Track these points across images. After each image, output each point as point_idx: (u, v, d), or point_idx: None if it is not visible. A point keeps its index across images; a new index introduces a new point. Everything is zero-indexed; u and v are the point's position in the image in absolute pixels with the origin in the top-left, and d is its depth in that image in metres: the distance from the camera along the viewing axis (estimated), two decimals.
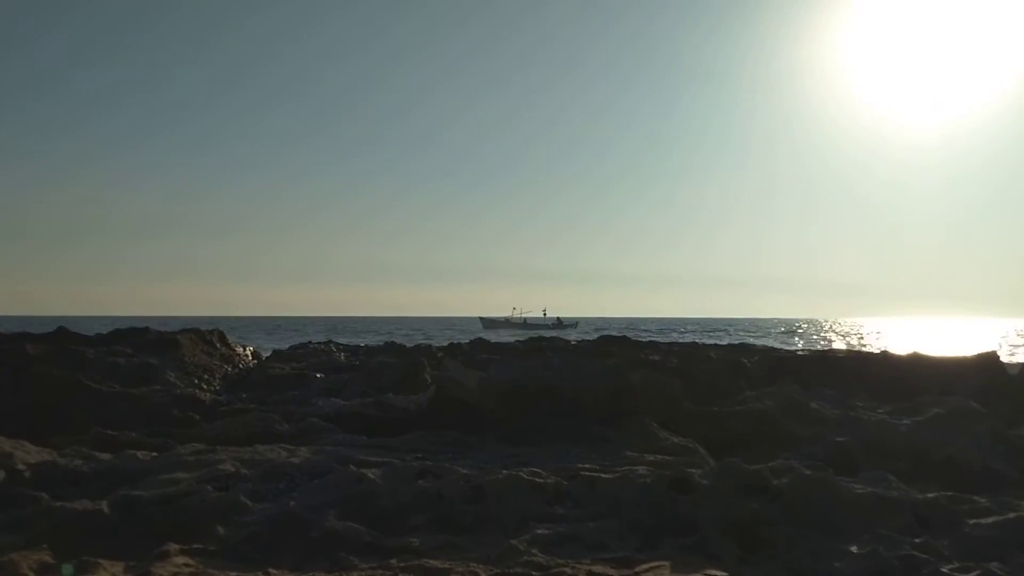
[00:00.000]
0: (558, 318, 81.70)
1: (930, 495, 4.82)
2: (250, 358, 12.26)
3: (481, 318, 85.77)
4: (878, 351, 11.41)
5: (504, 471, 4.58)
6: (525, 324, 77.95)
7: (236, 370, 11.06)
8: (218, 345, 11.46)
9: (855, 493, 4.50)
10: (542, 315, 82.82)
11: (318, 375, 9.90)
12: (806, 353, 11.96)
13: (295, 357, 12.06)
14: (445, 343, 15.02)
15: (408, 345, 14.43)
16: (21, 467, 4.90)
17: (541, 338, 15.17)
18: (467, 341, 14.45)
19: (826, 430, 7.59)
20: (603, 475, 4.62)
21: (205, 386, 9.78)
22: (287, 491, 4.60)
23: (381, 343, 14.70)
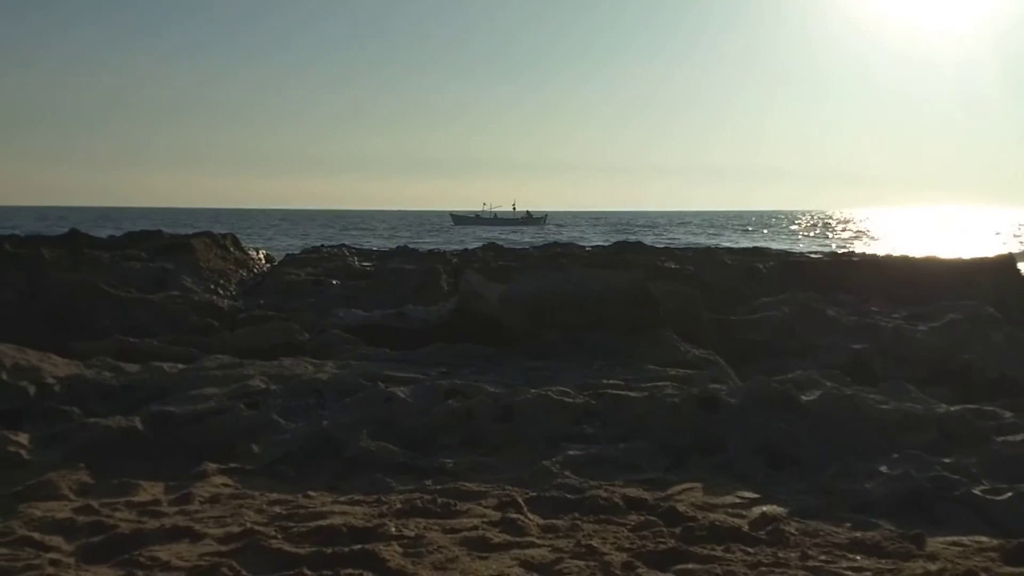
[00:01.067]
0: (528, 212, 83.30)
1: (954, 409, 4.83)
2: (264, 262, 12.27)
3: (452, 213, 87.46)
4: (893, 254, 11.37)
5: (532, 390, 4.61)
6: (496, 219, 79.20)
7: (251, 275, 11.08)
8: (232, 249, 11.44)
9: (881, 409, 4.52)
10: (512, 209, 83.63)
11: (334, 281, 9.90)
12: (821, 257, 11.91)
13: (309, 262, 12.05)
14: (453, 247, 14.98)
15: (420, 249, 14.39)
16: (50, 381, 4.93)
17: (556, 244, 15.09)
18: (481, 246, 14.40)
19: (843, 337, 7.59)
20: (630, 393, 4.65)
21: (221, 291, 9.81)
22: (317, 408, 4.65)
23: (393, 247, 14.67)
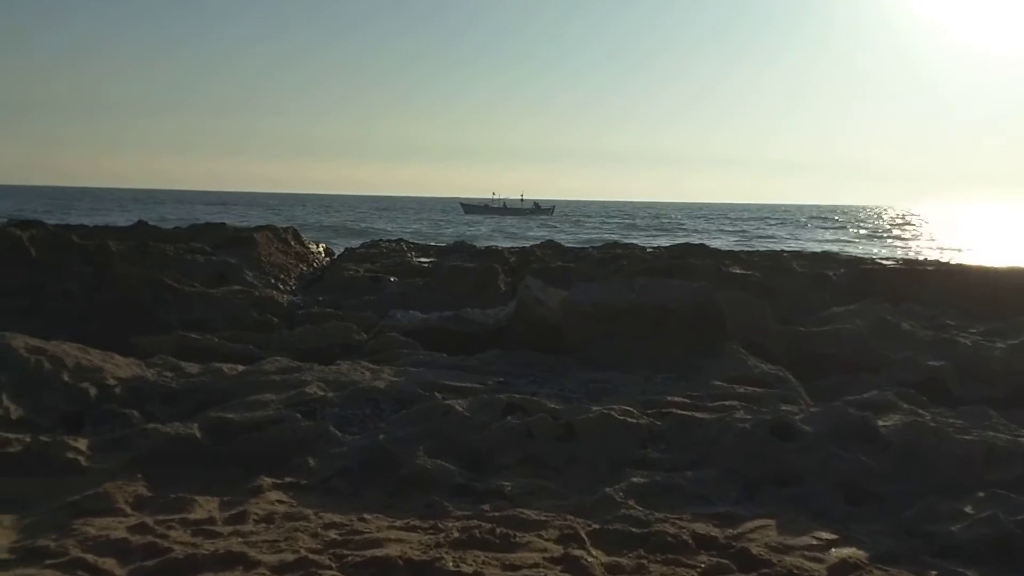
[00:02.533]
0: (535, 203, 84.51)
1: None
2: (323, 256, 12.32)
3: (462, 203, 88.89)
4: (968, 264, 10.90)
5: (594, 407, 4.45)
6: (505, 208, 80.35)
7: (310, 269, 11.12)
8: (292, 243, 11.51)
9: (964, 441, 4.26)
10: (520, 199, 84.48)
11: (392, 279, 9.86)
12: (893, 264, 11.47)
13: (368, 257, 12.05)
14: (511, 246, 14.82)
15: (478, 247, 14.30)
16: (112, 382, 4.94)
17: (616, 244, 14.86)
18: (539, 244, 14.24)
19: (918, 352, 7.28)
20: (697, 414, 4.46)
21: (281, 286, 9.84)
22: (373, 418, 4.56)
23: (451, 242, 14.60)
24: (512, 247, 14.62)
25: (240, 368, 5.54)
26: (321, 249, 12.55)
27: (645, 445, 4.18)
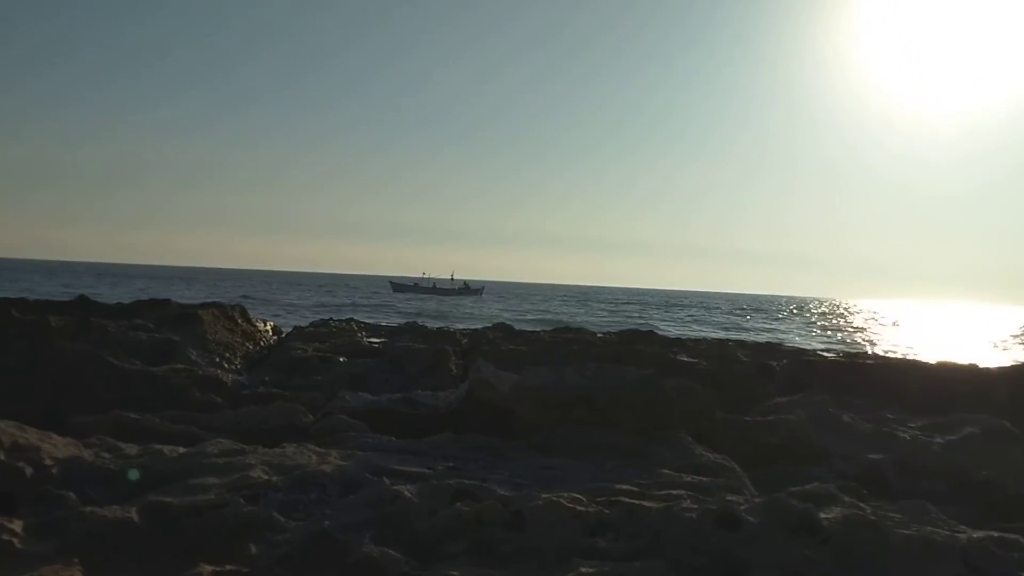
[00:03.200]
0: (465, 283, 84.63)
1: (976, 536, 4.65)
2: (271, 334, 12.19)
3: (391, 281, 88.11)
4: (908, 359, 11.23)
5: (544, 494, 4.45)
6: (434, 288, 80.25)
7: (257, 348, 10.99)
8: (240, 321, 11.39)
9: (904, 535, 4.34)
10: (450, 279, 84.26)
11: (341, 359, 9.79)
12: (835, 357, 11.77)
13: (317, 336, 11.96)
14: (466, 328, 14.87)
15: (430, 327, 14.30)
16: (49, 462, 4.79)
17: (567, 328, 15.01)
18: (491, 326, 14.29)
19: (859, 445, 7.46)
20: (644, 503, 4.48)
21: (227, 365, 9.71)
22: (319, 504, 4.49)
23: (402, 323, 14.59)
24: (464, 329, 14.64)
25: (181, 450, 5.42)
26: (269, 327, 12.43)
27: (594, 534, 4.17)
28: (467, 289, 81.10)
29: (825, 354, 12.49)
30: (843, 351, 16.26)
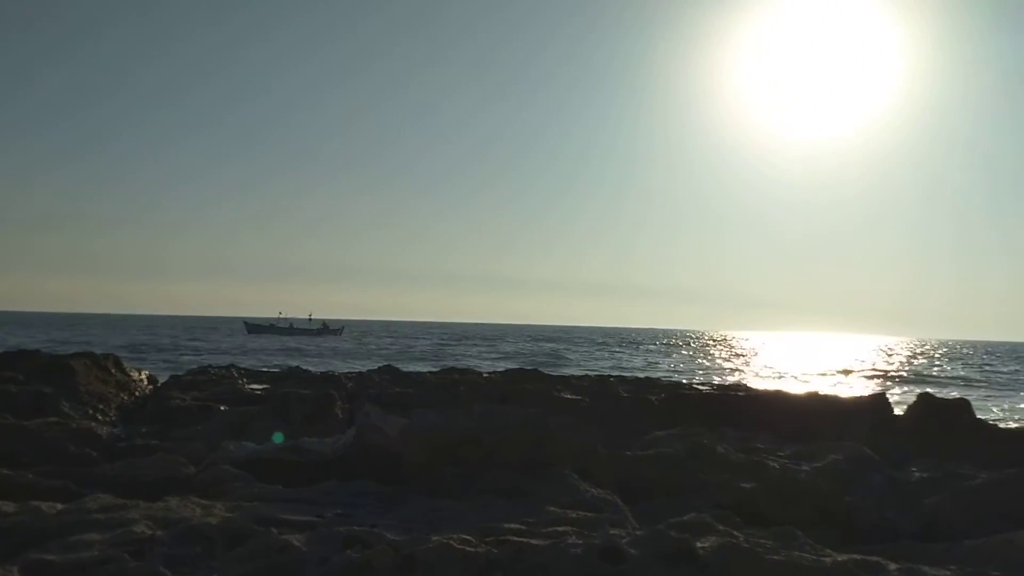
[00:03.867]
0: (323, 323, 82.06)
1: (840, 559, 5.00)
2: (146, 384, 11.78)
3: (245, 321, 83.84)
4: (776, 390, 11.88)
5: (434, 537, 4.53)
6: (291, 328, 77.38)
7: (132, 398, 10.61)
8: (113, 371, 10.97)
9: (775, 561, 4.64)
10: (308, 319, 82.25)
11: (222, 408, 9.58)
12: (708, 390, 12.32)
13: (195, 384, 11.64)
14: (347, 370, 14.77)
15: (314, 371, 14.11)
16: None
17: (454, 370, 15.12)
18: (376, 368, 14.24)
19: (732, 475, 7.81)
20: (532, 540, 4.62)
21: (101, 417, 9.34)
22: (205, 557, 4.43)
23: (285, 369, 14.33)
24: (350, 371, 14.52)
25: (60, 506, 5.22)
26: (144, 376, 12.00)
27: (483, 574, 4.28)
28: (326, 329, 77.84)
29: (700, 387, 13.04)
30: (716, 383, 17.02)
